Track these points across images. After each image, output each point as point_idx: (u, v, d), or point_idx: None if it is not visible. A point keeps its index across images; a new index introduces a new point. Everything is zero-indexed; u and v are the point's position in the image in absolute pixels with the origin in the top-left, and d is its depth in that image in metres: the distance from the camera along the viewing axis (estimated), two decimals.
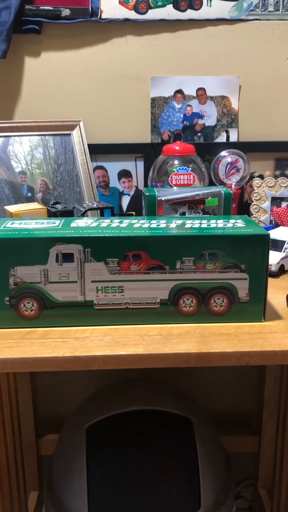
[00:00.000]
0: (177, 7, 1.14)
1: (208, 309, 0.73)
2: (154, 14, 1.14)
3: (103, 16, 1.14)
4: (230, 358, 0.65)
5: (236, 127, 1.23)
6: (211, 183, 1.17)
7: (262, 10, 1.16)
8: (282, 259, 0.92)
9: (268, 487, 1.38)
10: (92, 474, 1.00)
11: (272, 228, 1.12)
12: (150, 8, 1.14)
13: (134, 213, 1.18)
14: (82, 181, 1.15)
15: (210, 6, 1.14)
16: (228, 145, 1.21)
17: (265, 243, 0.71)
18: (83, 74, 1.18)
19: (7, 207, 0.96)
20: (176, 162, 1.11)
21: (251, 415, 1.41)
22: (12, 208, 0.95)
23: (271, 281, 0.89)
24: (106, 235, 0.70)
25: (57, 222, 0.77)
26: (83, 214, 0.95)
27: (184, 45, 1.17)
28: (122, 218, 0.80)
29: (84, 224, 0.76)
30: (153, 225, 0.75)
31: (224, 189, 0.92)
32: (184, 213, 0.93)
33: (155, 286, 0.72)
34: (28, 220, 0.79)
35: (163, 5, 1.14)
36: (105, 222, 0.77)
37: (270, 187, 1.17)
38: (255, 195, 1.18)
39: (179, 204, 0.93)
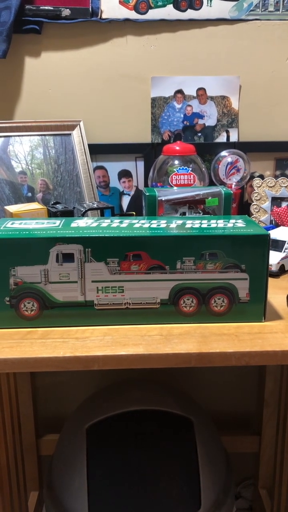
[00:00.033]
0: (177, 7, 1.14)
1: (208, 309, 0.73)
2: (154, 14, 1.14)
3: (103, 16, 1.14)
4: (231, 358, 0.65)
5: (236, 127, 1.23)
6: (211, 183, 1.17)
7: (263, 10, 1.16)
8: (282, 259, 0.92)
9: (268, 487, 1.38)
10: (92, 474, 1.00)
11: (272, 228, 1.12)
12: (150, 8, 1.14)
13: (134, 213, 1.18)
14: (82, 181, 1.15)
15: (210, 6, 1.14)
16: (228, 145, 1.21)
17: (265, 243, 0.71)
18: (83, 74, 1.18)
19: (7, 207, 0.96)
20: (176, 162, 1.11)
21: (251, 415, 1.41)
22: (12, 208, 0.95)
23: (271, 281, 0.89)
24: (107, 235, 0.70)
25: (57, 222, 0.77)
26: (84, 214, 0.95)
27: (185, 45, 1.17)
28: (122, 218, 0.80)
29: (85, 224, 0.76)
30: (154, 225, 0.75)
31: (224, 189, 0.92)
32: (184, 213, 0.93)
33: (156, 286, 0.72)
34: (29, 220, 0.79)
35: (163, 5, 1.14)
36: (105, 222, 0.77)
37: (271, 187, 1.17)
38: (255, 195, 1.18)
39: (180, 204, 0.93)
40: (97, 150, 1.19)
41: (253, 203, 1.18)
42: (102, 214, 0.99)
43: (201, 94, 1.20)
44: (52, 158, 1.15)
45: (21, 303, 0.72)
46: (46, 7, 1.12)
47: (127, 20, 1.14)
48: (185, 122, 1.21)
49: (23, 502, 1.26)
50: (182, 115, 1.21)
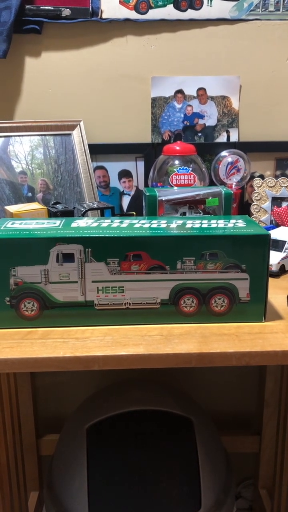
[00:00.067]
0: (177, 7, 1.14)
1: (208, 309, 0.73)
2: (154, 14, 1.14)
3: (104, 16, 1.14)
4: (231, 358, 0.65)
5: (236, 127, 1.23)
6: (212, 183, 1.17)
7: (263, 10, 1.15)
8: (282, 259, 0.92)
9: (268, 487, 1.38)
10: (92, 474, 1.00)
11: (273, 228, 1.12)
12: (151, 8, 1.14)
13: (134, 213, 1.18)
14: (83, 181, 1.15)
15: (211, 6, 1.14)
16: (228, 145, 1.21)
17: (265, 243, 0.71)
18: (83, 74, 1.18)
19: (7, 207, 0.96)
20: (176, 162, 1.11)
21: (252, 415, 1.41)
22: (12, 208, 0.95)
23: (271, 281, 0.89)
24: (107, 235, 0.70)
25: (57, 222, 0.77)
26: (84, 214, 0.95)
27: (185, 45, 1.17)
28: (122, 218, 0.80)
29: (85, 224, 0.76)
30: (154, 225, 0.75)
31: (224, 189, 0.92)
32: (184, 213, 0.93)
33: (156, 286, 0.72)
34: (29, 220, 0.79)
35: (164, 5, 1.14)
36: (105, 222, 0.77)
37: (271, 187, 1.17)
38: (256, 195, 1.18)
39: (180, 204, 0.93)
40: (97, 150, 1.19)
41: (253, 203, 1.18)
42: (102, 214, 0.99)
43: (201, 94, 1.20)
44: (52, 158, 1.15)
45: (21, 303, 0.72)
46: (47, 7, 1.12)
47: (127, 20, 1.14)
48: (185, 122, 1.21)
49: (23, 502, 1.26)
50: (182, 115, 1.21)
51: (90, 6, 1.12)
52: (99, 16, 1.14)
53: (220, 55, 1.18)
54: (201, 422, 1.08)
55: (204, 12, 1.15)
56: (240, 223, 0.76)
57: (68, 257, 0.70)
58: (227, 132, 1.23)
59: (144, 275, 0.71)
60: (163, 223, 0.76)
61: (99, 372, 1.35)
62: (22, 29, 1.12)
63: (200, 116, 1.21)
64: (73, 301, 0.72)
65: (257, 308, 0.73)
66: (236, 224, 0.75)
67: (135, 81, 1.19)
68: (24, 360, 0.64)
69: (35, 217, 0.92)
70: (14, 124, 1.15)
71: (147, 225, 0.75)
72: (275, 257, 0.92)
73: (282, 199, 1.17)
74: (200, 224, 0.76)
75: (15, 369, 0.64)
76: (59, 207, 0.98)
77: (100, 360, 0.64)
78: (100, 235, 0.70)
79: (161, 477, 0.99)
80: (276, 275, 0.92)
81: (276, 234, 0.97)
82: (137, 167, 1.22)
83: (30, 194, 1.13)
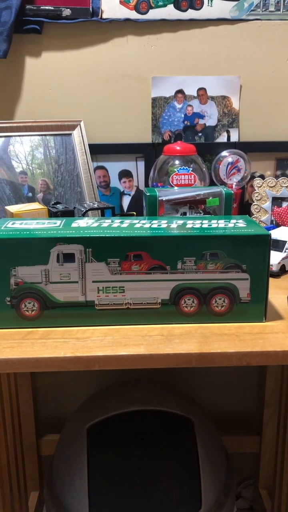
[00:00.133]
0: (178, 7, 1.14)
1: (209, 309, 0.73)
2: (155, 14, 1.14)
3: (104, 16, 1.14)
4: (231, 358, 0.65)
5: (237, 127, 1.23)
6: (212, 183, 1.17)
7: (263, 10, 1.15)
8: (283, 259, 0.92)
9: (268, 487, 1.38)
10: (92, 474, 1.00)
11: (273, 228, 1.12)
12: (151, 8, 1.14)
13: (135, 213, 1.18)
14: (83, 181, 1.15)
15: (211, 6, 1.14)
16: (229, 145, 1.21)
17: (266, 243, 0.71)
18: (84, 74, 1.18)
19: (8, 207, 0.96)
20: (177, 162, 1.11)
21: (252, 415, 1.41)
22: (13, 208, 0.95)
23: (272, 281, 0.89)
24: (107, 235, 0.70)
25: (58, 222, 0.77)
26: (84, 214, 0.95)
27: (185, 45, 1.17)
28: (123, 218, 0.80)
29: (85, 224, 0.76)
30: (154, 225, 0.75)
31: (225, 189, 0.92)
32: (185, 213, 0.93)
33: (156, 286, 0.72)
34: (29, 220, 0.79)
35: (164, 5, 1.14)
36: (106, 222, 0.77)
37: (271, 187, 1.17)
38: (256, 195, 1.17)
39: (180, 204, 0.93)
40: (97, 150, 1.19)
41: (253, 203, 1.18)
42: (102, 214, 0.99)
43: (202, 94, 1.20)
44: (53, 158, 1.15)
45: (22, 303, 0.72)
46: (47, 7, 1.11)
47: (127, 20, 1.14)
48: (185, 122, 1.21)
49: (23, 502, 1.26)
50: (182, 115, 1.21)
51: (91, 6, 1.12)
52: (99, 16, 1.14)
53: (221, 55, 1.18)
54: (201, 422, 1.08)
55: (205, 12, 1.15)
56: (241, 223, 0.76)
57: (68, 257, 0.70)
58: (228, 132, 1.23)
59: (145, 275, 0.71)
60: (163, 223, 0.76)
61: (99, 372, 1.36)
62: (22, 29, 1.12)
63: (201, 116, 1.21)
64: (73, 301, 0.72)
65: (257, 308, 0.73)
66: (237, 224, 0.75)
67: (136, 81, 1.19)
68: (24, 360, 0.64)
69: (35, 217, 0.92)
70: (15, 124, 1.15)
71: (147, 225, 0.75)
72: (275, 257, 0.92)
73: (283, 199, 1.17)
74: (200, 224, 0.76)
75: (15, 369, 0.64)
76: (60, 207, 0.98)
77: (101, 360, 0.64)
78: (101, 235, 0.70)
79: (162, 477, 0.99)
80: (277, 275, 0.92)
81: (277, 234, 0.97)
82: (137, 167, 1.22)
83: (30, 194, 1.13)
